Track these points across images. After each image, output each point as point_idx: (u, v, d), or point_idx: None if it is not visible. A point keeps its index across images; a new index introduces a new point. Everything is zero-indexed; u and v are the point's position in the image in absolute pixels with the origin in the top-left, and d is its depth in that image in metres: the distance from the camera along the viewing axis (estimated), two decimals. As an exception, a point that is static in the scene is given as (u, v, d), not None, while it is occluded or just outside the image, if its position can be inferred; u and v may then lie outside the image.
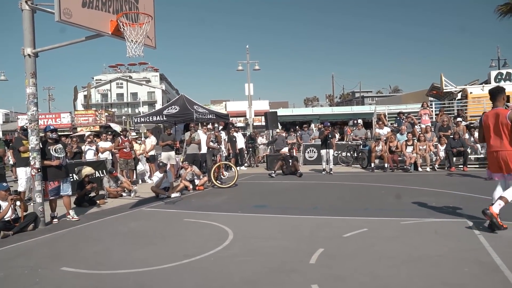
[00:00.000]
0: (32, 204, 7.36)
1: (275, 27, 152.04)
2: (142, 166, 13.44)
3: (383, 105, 26.22)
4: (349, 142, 17.39)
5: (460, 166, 13.16)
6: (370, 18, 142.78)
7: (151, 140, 13.95)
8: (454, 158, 13.20)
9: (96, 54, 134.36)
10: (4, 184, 7.17)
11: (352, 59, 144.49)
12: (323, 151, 13.88)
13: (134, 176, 13.04)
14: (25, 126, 8.66)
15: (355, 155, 16.08)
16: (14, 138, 11.89)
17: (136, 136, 14.34)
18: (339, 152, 16.50)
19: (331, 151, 13.79)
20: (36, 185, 7.06)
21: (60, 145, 7.66)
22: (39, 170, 7.09)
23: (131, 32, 6.46)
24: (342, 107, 58.28)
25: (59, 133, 10.87)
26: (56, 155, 7.45)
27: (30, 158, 7.08)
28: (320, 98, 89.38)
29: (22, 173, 9.15)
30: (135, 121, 17.43)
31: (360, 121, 20.85)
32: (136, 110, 67.28)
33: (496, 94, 5.70)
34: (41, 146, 7.23)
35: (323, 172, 13.70)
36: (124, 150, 12.26)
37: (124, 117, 63.43)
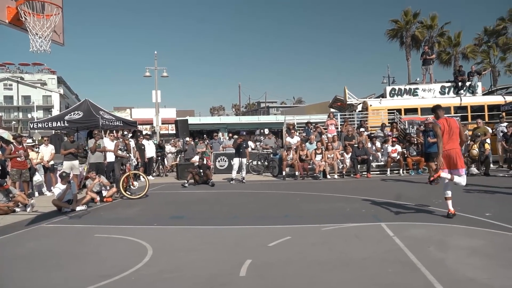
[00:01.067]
0: None
1: (182, 34, 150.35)
2: (39, 177, 12.03)
3: (288, 115, 27.28)
4: (259, 151, 17.65)
5: (364, 173, 14.11)
6: (276, 30, 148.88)
7: (50, 148, 12.60)
8: (359, 166, 14.10)
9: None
10: None
11: (258, 69, 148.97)
12: (236, 160, 13.83)
13: (30, 188, 11.61)
14: None
15: (266, 163, 16.33)
16: None
17: (32, 144, 12.81)
18: (250, 160, 16.62)
19: (244, 160, 13.80)
20: None
21: None
22: None
23: (36, 23, 5.67)
24: (249, 116, 59.52)
25: None
26: None
27: None
28: (226, 107, 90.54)
29: None
30: (32, 126, 15.67)
31: (267, 130, 21.37)
32: (29, 115, 60.96)
33: (437, 108, 7.13)
34: None
35: (232, 182, 13.60)
36: (18, 159, 10.84)
37: (14, 122, 57.18)
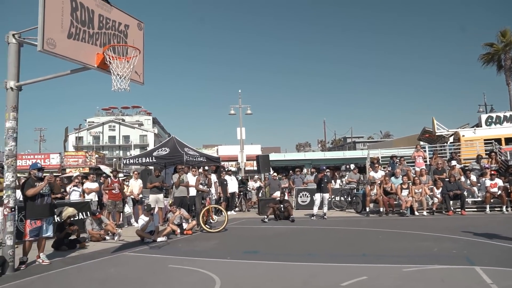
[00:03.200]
0: (1, 247, 6.77)
1: (268, 73, 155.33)
2: (128, 209, 12.86)
3: (376, 149, 26.20)
4: (343, 186, 17.00)
5: (458, 210, 12.78)
6: (361, 66, 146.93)
7: (138, 183, 13.46)
8: (451, 202, 12.83)
9: (89, 96, 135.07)
10: None
11: (343, 105, 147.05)
12: (317, 195, 13.41)
13: (121, 219, 12.45)
14: (2, 163, 8.24)
15: (349, 199, 15.66)
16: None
17: (124, 178, 13.85)
18: (333, 196, 16.05)
19: (326, 195, 13.33)
20: (8, 226, 6.53)
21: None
22: (13, 209, 6.59)
23: (118, 65, 6.23)
24: (334, 152, 58.50)
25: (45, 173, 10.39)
26: (41, 192, 7.04)
27: (4, 197, 6.60)
28: (312, 143, 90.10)
29: (-1, 212, 8.59)
30: (125, 162, 17.01)
31: (352, 165, 20.63)
32: (128, 153, 66.73)
33: None
34: (18, 184, 6.82)
35: (313, 217, 13.14)
36: (113, 191, 11.82)
37: (115, 159, 62.89)
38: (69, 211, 9.40)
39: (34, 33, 6.55)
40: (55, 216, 9.91)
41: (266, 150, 51.32)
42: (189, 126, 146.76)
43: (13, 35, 6.61)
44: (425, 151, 16.66)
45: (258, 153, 42.55)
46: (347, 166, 24.53)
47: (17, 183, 6.89)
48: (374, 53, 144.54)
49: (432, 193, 13.25)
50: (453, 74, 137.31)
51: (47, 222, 7.25)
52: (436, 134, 19.13)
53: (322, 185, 13.28)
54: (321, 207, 13.30)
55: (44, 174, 7.61)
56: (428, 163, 15.79)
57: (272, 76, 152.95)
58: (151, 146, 72.52)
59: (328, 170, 16.65)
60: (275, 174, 18.58)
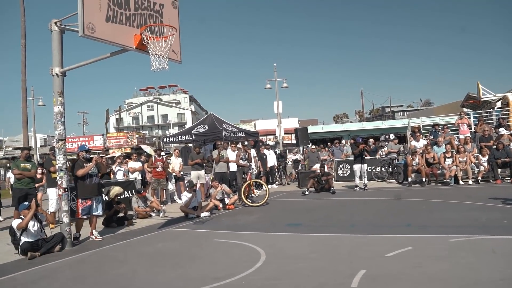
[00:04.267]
0: (59, 224, 7.23)
1: (302, 43, 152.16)
2: (171, 186, 13.27)
3: (414, 118, 25.37)
4: (383, 157, 16.69)
5: (507, 178, 12.27)
6: (397, 32, 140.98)
7: (179, 160, 13.79)
8: (499, 170, 12.32)
9: (127, 77, 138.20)
10: (26, 203, 7.07)
11: (381, 73, 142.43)
12: (356, 166, 13.28)
13: (164, 196, 12.88)
14: (53, 146, 8.64)
15: (390, 169, 15.38)
16: (44, 159, 12.00)
17: (166, 156, 14.22)
18: (373, 167, 15.82)
19: (365, 166, 13.17)
20: (63, 205, 6.94)
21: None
22: (66, 189, 6.97)
23: (155, 45, 6.31)
24: (373, 122, 57.21)
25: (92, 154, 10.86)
26: (90, 172, 7.39)
27: (58, 178, 6.97)
28: (349, 114, 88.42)
29: (53, 193, 9.10)
30: (165, 140, 17.44)
31: (392, 135, 20.13)
32: (167, 132, 68.43)
33: None
34: (69, 164, 7.17)
35: (356, 189, 13.08)
36: (157, 169, 12.21)
37: (154, 138, 64.57)
38: (116, 189, 9.82)
39: (73, 19, 6.77)
40: (104, 195, 10.42)
41: (303, 122, 51.01)
42: (225, 102, 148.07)
43: (55, 22, 6.80)
44: (469, 118, 15.97)
45: (295, 126, 42.51)
46: (387, 136, 23.97)
47: (68, 165, 7.22)
48: (410, 23, 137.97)
49: (478, 162, 12.77)
50: (498, 34, 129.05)
51: (96, 201, 7.61)
52: (482, 99, 18.17)
53: (363, 156, 13.12)
54: (361, 178, 13.18)
55: (91, 156, 7.94)
56: (473, 130, 15.16)
57: (307, 49, 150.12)
58: (189, 124, 73.81)
59: (372, 140, 16.37)
60: (314, 146, 18.46)
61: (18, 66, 73.77)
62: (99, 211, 7.70)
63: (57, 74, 6.90)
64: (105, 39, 5.94)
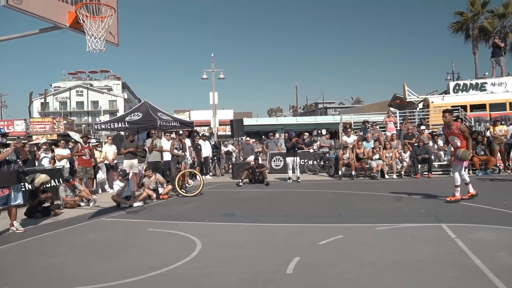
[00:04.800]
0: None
1: (239, 35, 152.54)
2: (102, 175, 12.69)
3: (347, 114, 26.55)
4: (316, 150, 17.30)
5: (425, 173, 13.35)
6: (333, 30, 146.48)
7: (112, 148, 13.23)
8: (419, 165, 13.36)
9: (54, 59, 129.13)
10: None
11: (315, 70, 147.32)
12: (289, 159, 13.66)
13: (94, 185, 12.28)
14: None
15: (322, 163, 16.00)
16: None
17: (97, 143, 13.54)
18: (306, 160, 16.36)
19: (297, 158, 13.58)
20: (-21, 194, 6.35)
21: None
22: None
23: (92, 25, 5.94)
24: (306, 117, 58.98)
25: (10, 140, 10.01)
26: (7, 158, 6.80)
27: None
28: (283, 108, 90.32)
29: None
30: (96, 128, 16.61)
31: (324, 130, 20.90)
32: (97, 119, 64.94)
33: None
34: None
35: (289, 181, 13.46)
36: (84, 157, 11.50)
37: (84, 125, 61.25)
38: (41, 177, 9.16)
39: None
40: (27, 183, 9.71)
41: (238, 115, 51.07)
42: (160, 91, 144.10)
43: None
44: (396, 116, 17.06)
45: (230, 118, 42.55)
46: (319, 131, 24.83)
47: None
48: (346, 21, 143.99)
49: (401, 157, 13.71)
50: (423, 42, 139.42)
51: (15, 189, 7.01)
52: (407, 100, 19.56)
53: (296, 149, 13.51)
54: (294, 171, 13.58)
55: (7, 141, 7.33)
56: (398, 128, 16.23)
57: (244, 43, 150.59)
58: (121, 112, 70.80)
59: (306, 134, 16.84)
60: (248, 138, 18.66)
61: None
62: (19, 200, 7.08)
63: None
64: (34, 12, 5.39)
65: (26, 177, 9.68)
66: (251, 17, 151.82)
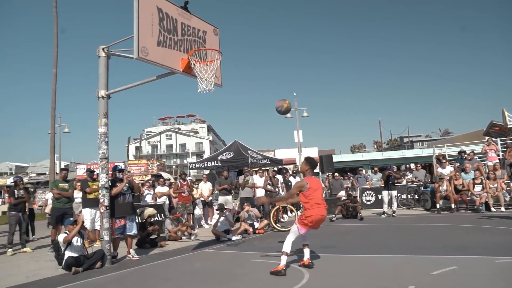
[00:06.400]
0: (100, 241, 7.38)
1: (321, 74, 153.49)
2: (199, 211, 13.38)
3: (436, 146, 25.17)
4: (409, 184, 16.55)
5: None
6: (416, 63, 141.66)
7: (208, 185, 13.95)
8: (533, 197, 12.14)
9: (146, 106, 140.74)
10: (71, 219, 7.31)
11: (398, 104, 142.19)
12: (384, 192, 13.24)
13: (192, 221, 12.96)
14: (91, 168, 8.92)
15: (416, 197, 15.23)
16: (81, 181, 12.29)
17: (193, 180, 14.41)
18: (399, 194, 15.67)
19: (394, 192, 13.11)
20: (105, 223, 7.11)
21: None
22: (108, 207, 7.16)
23: (202, 69, 6.63)
24: (392, 151, 56.70)
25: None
26: (122, 191, 7.59)
27: (100, 196, 7.19)
28: (367, 144, 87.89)
29: (87, 214, 9.30)
30: (190, 167, 17.70)
31: (413, 165, 19.98)
32: (185, 161, 69.00)
33: None
34: (110, 184, 7.39)
35: (383, 215, 12.98)
36: (183, 194, 12.33)
37: (174, 167, 65.16)
38: (149, 210, 10.00)
39: (119, 46, 7.22)
40: (137, 216, 10.59)
41: (322, 152, 50.77)
42: (242, 132, 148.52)
43: (103, 49, 7.23)
44: (497, 144, 15.83)
45: (315, 155, 42.52)
46: (407, 166, 23.77)
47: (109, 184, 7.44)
48: (429, 50, 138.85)
49: (509, 188, 12.59)
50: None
51: (130, 220, 7.74)
52: (508, 126, 18.07)
53: (390, 182, 13.08)
54: (389, 205, 13.09)
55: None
56: (501, 157, 15.01)
57: (323, 76, 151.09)
58: (207, 153, 74.42)
59: (395, 167, 16.34)
60: (337, 174, 18.46)
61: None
62: (134, 231, 7.82)
63: (102, 97, 7.25)
64: (157, 61, 6.27)
65: (137, 210, 10.59)
66: (330, 55, 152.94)
